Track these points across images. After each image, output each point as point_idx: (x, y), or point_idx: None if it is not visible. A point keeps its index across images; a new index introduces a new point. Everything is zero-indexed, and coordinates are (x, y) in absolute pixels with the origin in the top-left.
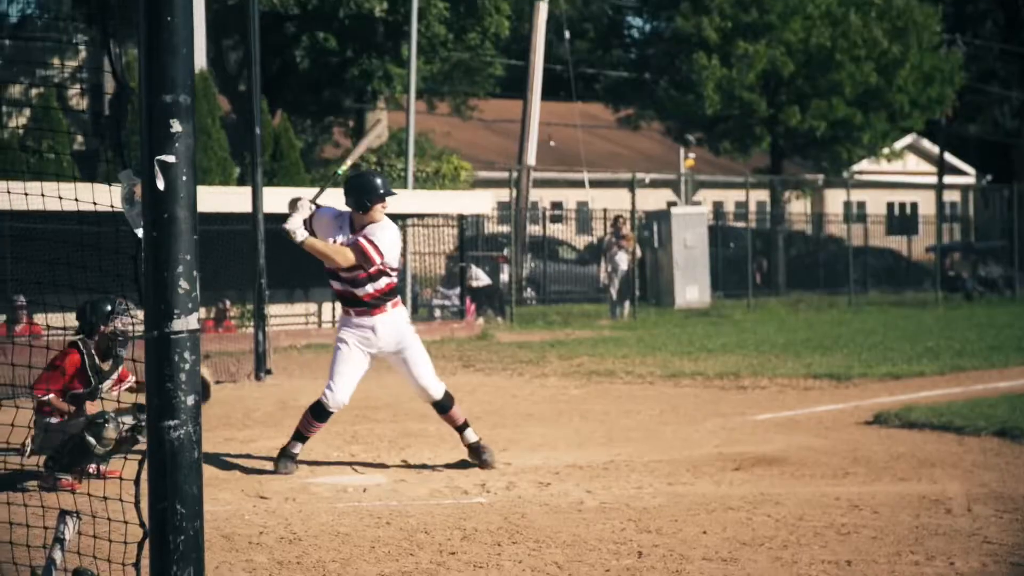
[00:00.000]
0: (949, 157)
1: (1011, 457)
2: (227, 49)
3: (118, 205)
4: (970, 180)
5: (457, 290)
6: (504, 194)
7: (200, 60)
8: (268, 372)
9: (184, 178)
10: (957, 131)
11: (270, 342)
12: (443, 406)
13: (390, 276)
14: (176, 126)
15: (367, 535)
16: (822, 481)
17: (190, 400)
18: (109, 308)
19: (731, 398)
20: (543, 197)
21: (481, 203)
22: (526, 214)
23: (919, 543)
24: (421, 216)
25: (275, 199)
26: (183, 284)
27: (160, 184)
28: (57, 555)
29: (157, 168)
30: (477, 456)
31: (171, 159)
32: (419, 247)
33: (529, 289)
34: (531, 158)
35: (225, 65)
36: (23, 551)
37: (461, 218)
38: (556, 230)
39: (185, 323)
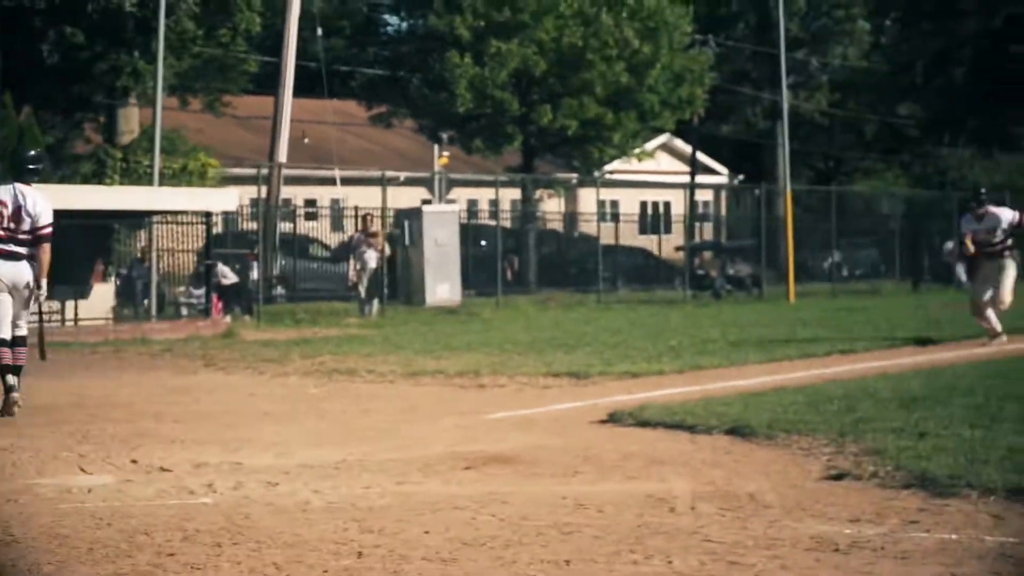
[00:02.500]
0: (702, 157)
1: (740, 455)
2: None
3: None
4: (722, 179)
5: (203, 289)
6: (259, 192)
7: None
8: None
9: None
10: (709, 131)
11: None
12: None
13: None
14: None
15: (86, 536)
16: (551, 480)
17: None
18: None
19: (470, 396)
20: (297, 194)
21: (227, 200)
22: (277, 211)
23: (639, 542)
24: (166, 213)
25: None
26: None
27: None
28: None
29: None
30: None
31: None
32: (165, 244)
33: (279, 287)
34: (283, 155)
35: None
36: None
37: (207, 215)
38: (310, 228)
39: None
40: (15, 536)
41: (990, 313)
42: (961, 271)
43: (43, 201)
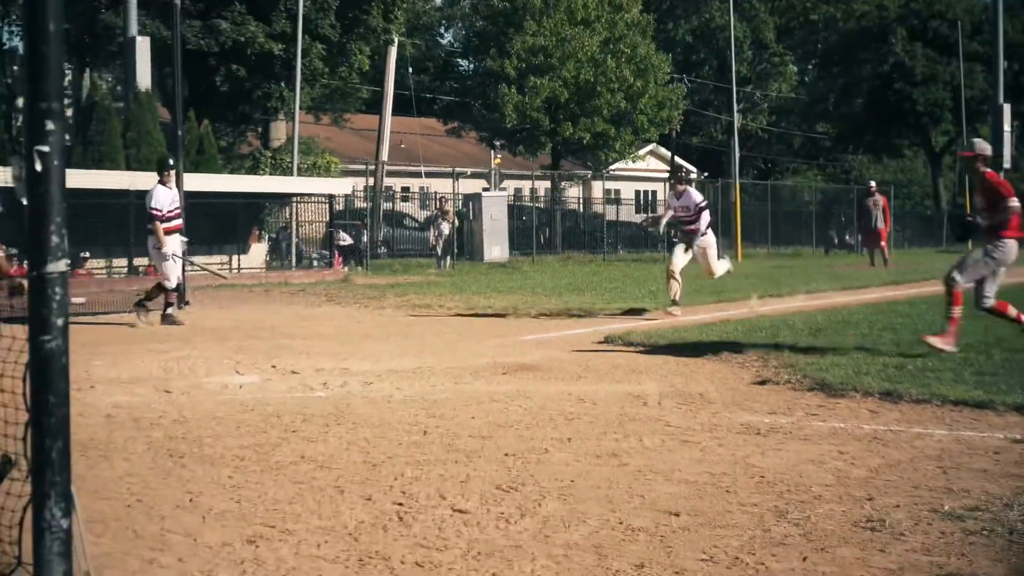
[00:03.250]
0: (678, 159)
1: (694, 367)
2: (167, 75)
3: (9, 181)
4: (692, 176)
5: (328, 248)
6: (369, 181)
7: (146, 82)
8: (186, 303)
9: (56, 163)
10: (684, 142)
11: (189, 282)
12: None
13: None
14: (50, 125)
15: (236, 418)
16: (562, 382)
17: (60, 321)
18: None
19: (508, 324)
20: (395, 183)
21: (345, 186)
22: (381, 195)
23: (621, 426)
24: (302, 195)
25: (196, 182)
26: (54, 239)
27: (38, 167)
28: None
29: (36, 156)
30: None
31: (46, 149)
32: (303, 217)
33: (382, 247)
34: (385, 155)
35: (167, 88)
36: None
37: (331, 197)
38: (404, 206)
39: (56, 266)
40: (186, 417)
41: (673, 283)
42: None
43: (153, 193)
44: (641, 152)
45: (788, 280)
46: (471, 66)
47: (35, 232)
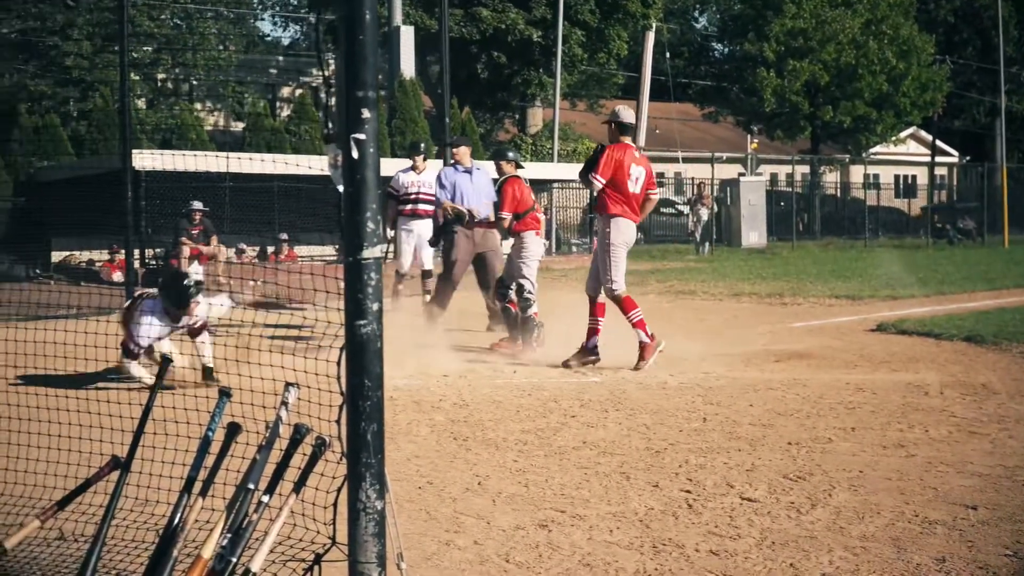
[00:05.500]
0: (940, 143)
1: (974, 356)
2: (430, 64)
3: (326, 169)
4: (954, 160)
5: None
6: None
7: (410, 71)
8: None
9: (371, 150)
10: (946, 125)
11: None
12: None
13: None
14: (365, 113)
15: (514, 402)
16: (837, 370)
17: (375, 306)
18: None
19: (776, 311)
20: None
21: None
22: None
23: (904, 416)
24: (562, 181)
25: None
26: (370, 224)
27: (355, 154)
28: (283, 414)
29: (353, 143)
30: None
31: (362, 136)
32: (561, 203)
33: (639, 233)
34: (641, 141)
35: (429, 75)
36: (260, 411)
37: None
38: (659, 192)
39: (372, 252)
40: (466, 401)
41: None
42: None
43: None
44: (902, 135)
45: None
46: (726, 50)
47: (351, 218)
